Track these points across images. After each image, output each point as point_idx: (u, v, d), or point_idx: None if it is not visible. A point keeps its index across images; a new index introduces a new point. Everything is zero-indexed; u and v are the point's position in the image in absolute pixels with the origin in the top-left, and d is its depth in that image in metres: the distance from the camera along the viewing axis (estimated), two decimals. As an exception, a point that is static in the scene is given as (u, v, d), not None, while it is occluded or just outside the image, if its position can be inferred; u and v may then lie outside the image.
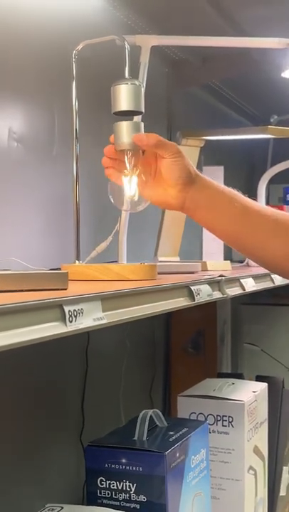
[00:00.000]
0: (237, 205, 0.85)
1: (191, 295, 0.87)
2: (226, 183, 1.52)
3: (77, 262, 0.98)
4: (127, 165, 0.89)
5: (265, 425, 1.31)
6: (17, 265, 1.01)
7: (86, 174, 1.17)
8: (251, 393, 1.23)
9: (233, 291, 1.03)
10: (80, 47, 0.96)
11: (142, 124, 0.89)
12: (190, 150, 1.33)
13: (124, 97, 0.88)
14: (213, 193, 0.86)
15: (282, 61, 1.31)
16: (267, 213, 0.86)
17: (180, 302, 0.84)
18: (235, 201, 0.85)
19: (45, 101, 1.25)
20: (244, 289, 1.08)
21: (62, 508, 0.90)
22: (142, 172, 0.89)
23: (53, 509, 0.90)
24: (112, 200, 0.93)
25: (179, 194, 0.86)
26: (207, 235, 1.55)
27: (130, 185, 0.89)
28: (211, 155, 1.76)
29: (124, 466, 0.95)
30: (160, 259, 1.32)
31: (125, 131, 0.88)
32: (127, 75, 0.90)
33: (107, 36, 0.94)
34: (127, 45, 0.90)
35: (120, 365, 1.50)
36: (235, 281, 1.06)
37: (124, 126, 0.88)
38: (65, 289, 0.68)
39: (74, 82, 0.96)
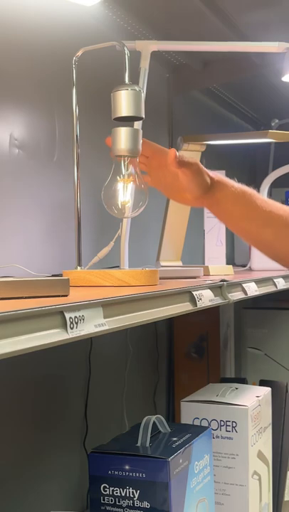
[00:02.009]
0: (251, 202, 0.89)
1: (192, 300, 0.86)
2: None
3: (78, 267, 0.98)
4: (123, 171, 0.89)
5: (269, 430, 1.30)
6: (19, 271, 1.01)
7: (87, 180, 1.18)
8: (255, 398, 1.23)
9: (235, 295, 1.03)
10: (79, 53, 0.96)
11: (140, 131, 0.89)
12: (191, 155, 1.33)
13: (124, 102, 0.88)
14: (228, 193, 0.90)
15: (282, 65, 1.31)
16: (280, 211, 0.90)
17: (182, 308, 0.83)
18: (250, 199, 0.90)
19: (45, 107, 1.26)
20: (246, 294, 1.07)
21: (65, 515, 0.90)
22: (155, 177, 0.91)
23: (56, 516, 0.90)
24: (106, 206, 0.93)
25: (196, 200, 0.91)
26: (209, 240, 1.55)
27: (125, 191, 0.90)
28: (212, 159, 1.76)
29: (127, 473, 0.95)
30: (162, 264, 1.32)
31: (123, 138, 0.88)
32: (127, 80, 0.90)
33: (107, 42, 0.94)
34: (126, 51, 0.90)
35: (123, 371, 1.50)
36: (238, 285, 1.06)
37: (122, 133, 0.88)
38: (67, 296, 0.68)
39: (74, 89, 0.96)
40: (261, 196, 0.91)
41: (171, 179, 0.90)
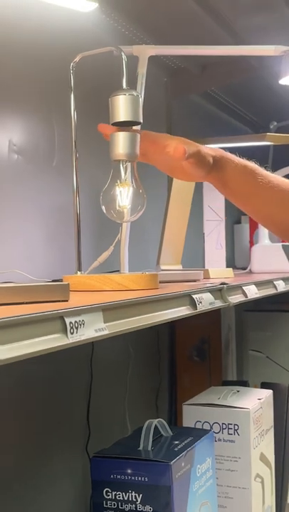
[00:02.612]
0: (254, 178, 0.90)
1: (193, 304, 0.86)
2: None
3: (78, 272, 0.98)
4: (122, 175, 0.90)
5: (271, 432, 1.30)
6: (19, 277, 1.01)
7: (86, 184, 1.18)
8: (256, 400, 1.23)
9: (236, 298, 1.03)
10: (77, 59, 0.96)
11: (138, 136, 0.90)
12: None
13: (122, 107, 0.88)
14: (230, 170, 0.91)
15: (279, 68, 1.31)
16: (283, 185, 0.91)
17: (182, 311, 0.84)
18: (252, 174, 0.90)
19: (44, 113, 1.26)
20: (246, 297, 1.07)
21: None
22: (155, 162, 0.92)
23: (59, 521, 0.90)
24: (104, 211, 0.93)
25: (199, 179, 0.94)
26: (209, 243, 1.56)
27: (124, 195, 0.90)
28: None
29: (129, 477, 0.95)
30: (162, 267, 1.32)
31: (121, 142, 0.89)
32: (124, 85, 0.90)
33: (104, 48, 0.94)
34: (124, 56, 0.90)
35: (125, 374, 1.50)
36: (238, 288, 1.06)
37: (120, 137, 0.89)
38: (67, 301, 0.69)
39: (72, 94, 0.97)
40: (264, 170, 0.92)
41: (173, 162, 0.91)
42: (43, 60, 1.24)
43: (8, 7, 1.13)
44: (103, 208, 0.93)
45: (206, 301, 0.90)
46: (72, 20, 1.20)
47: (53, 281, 0.99)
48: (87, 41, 1.24)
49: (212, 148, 0.91)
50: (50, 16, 1.20)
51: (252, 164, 0.92)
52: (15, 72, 1.17)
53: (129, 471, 0.95)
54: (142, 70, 1.15)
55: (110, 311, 0.66)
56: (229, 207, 1.65)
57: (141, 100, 0.91)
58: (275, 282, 1.29)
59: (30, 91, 1.22)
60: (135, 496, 0.95)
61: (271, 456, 1.30)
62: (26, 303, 0.65)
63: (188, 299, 0.86)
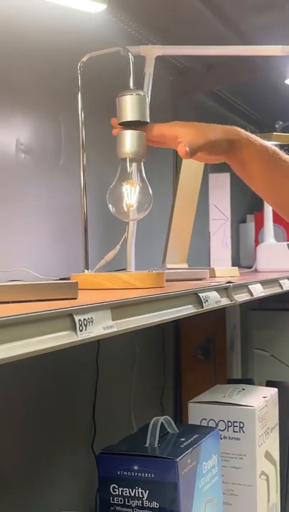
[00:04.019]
0: (274, 160, 0.86)
1: (199, 302, 0.87)
2: (233, 189, 1.54)
3: (86, 271, 0.99)
4: (129, 174, 0.90)
5: (276, 430, 1.31)
6: (27, 275, 1.02)
7: (93, 183, 1.19)
8: (261, 398, 1.24)
9: (241, 297, 1.04)
10: (85, 59, 0.97)
11: (144, 134, 0.90)
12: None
13: (129, 107, 0.89)
14: (250, 149, 0.86)
15: (285, 68, 1.32)
16: None
17: (188, 309, 0.84)
18: (275, 157, 0.86)
19: (51, 112, 1.27)
20: (252, 295, 1.08)
21: (75, 515, 0.91)
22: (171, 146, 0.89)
23: (66, 517, 0.91)
24: (112, 210, 0.94)
25: (218, 161, 0.89)
26: (215, 242, 1.56)
27: (130, 194, 0.91)
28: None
29: (136, 473, 0.96)
30: (168, 266, 1.33)
31: (128, 141, 0.89)
32: (131, 85, 0.91)
33: (112, 48, 0.95)
34: (131, 57, 0.91)
35: (131, 373, 1.51)
36: (243, 287, 1.06)
37: (127, 136, 0.89)
38: (75, 299, 0.69)
39: (79, 94, 0.97)
40: (286, 155, 0.88)
41: None
42: (51, 60, 1.25)
43: (18, 8, 1.14)
44: (110, 206, 0.94)
45: (213, 300, 0.91)
46: (80, 21, 1.21)
47: (61, 279, 1.00)
48: (95, 41, 1.25)
49: (231, 129, 0.87)
50: (58, 16, 1.21)
51: (274, 147, 0.87)
52: (23, 72, 1.18)
53: (135, 467, 0.96)
54: (149, 69, 1.15)
55: (118, 309, 0.67)
56: (235, 206, 1.65)
57: (148, 100, 0.92)
58: (280, 281, 1.29)
59: (37, 91, 1.23)
60: (142, 492, 0.95)
61: (276, 454, 1.30)
62: (35, 301, 0.66)
63: (194, 297, 0.87)
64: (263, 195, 0.91)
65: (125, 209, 0.93)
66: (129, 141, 0.90)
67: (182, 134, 0.85)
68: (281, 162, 0.86)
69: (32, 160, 1.21)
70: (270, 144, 0.87)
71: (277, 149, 0.87)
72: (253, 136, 0.87)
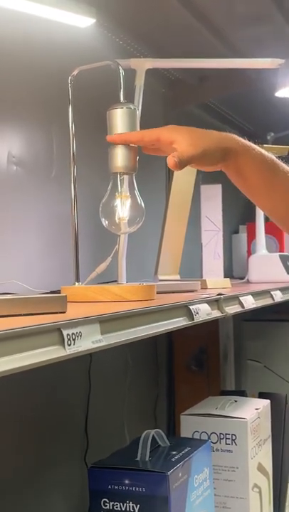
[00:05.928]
0: (272, 169, 0.85)
1: (189, 314, 0.87)
2: (224, 201, 1.54)
3: (76, 283, 0.99)
4: (119, 188, 0.90)
5: (269, 442, 1.31)
6: (18, 287, 1.02)
7: (84, 196, 1.19)
8: (254, 410, 1.23)
9: (233, 309, 1.04)
10: (75, 72, 0.97)
11: (137, 148, 0.91)
12: (187, 169, 1.33)
13: (119, 121, 0.89)
14: (247, 158, 0.85)
15: (276, 80, 1.32)
16: None
17: (179, 322, 0.84)
18: (273, 166, 0.85)
19: (43, 125, 1.27)
20: (243, 307, 1.08)
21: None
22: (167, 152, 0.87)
23: (57, 532, 0.90)
24: (104, 224, 0.94)
25: (213, 170, 0.88)
26: (207, 253, 1.56)
27: (122, 207, 0.91)
28: (208, 173, 1.77)
29: (127, 487, 0.95)
30: (160, 277, 1.33)
31: (119, 155, 0.89)
32: (122, 98, 0.91)
33: (102, 62, 0.95)
34: (121, 70, 0.91)
35: (123, 385, 1.50)
36: (234, 299, 1.06)
37: (119, 150, 0.90)
38: (64, 312, 0.69)
39: (70, 107, 0.98)
40: (284, 164, 0.86)
41: None
42: (42, 73, 1.25)
43: (9, 22, 1.14)
44: (103, 220, 0.94)
45: (203, 312, 0.91)
46: (70, 34, 1.21)
47: (51, 292, 1.00)
48: (86, 54, 1.25)
49: (227, 137, 0.85)
50: (49, 30, 1.21)
51: (271, 156, 0.86)
52: (14, 85, 1.19)
53: (126, 481, 0.95)
54: (140, 82, 1.16)
55: (107, 322, 0.66)
56: (227, 216, 1.66)
57: (138, 113, 0.92)
58: (272, 292, 1.29)
59: (29, 103, 1.23)
60: (133, 506, 0.95)
61: (269, 466, 1.30)
62: (24, 315, 0.66)
63: (185, 310, 0.87)
64: (259, 204, 0.90)
65: (117, 222, 0.93)
66: (120, 156, 0.90)
67: (178, 139, 0.84)
68: (279, 171, 0.85)
69: (24, 172, 1.21)
70: (267, 153, 0.86)
71: (275, 158, 0.86)
72: (251, 145, 0.85)
